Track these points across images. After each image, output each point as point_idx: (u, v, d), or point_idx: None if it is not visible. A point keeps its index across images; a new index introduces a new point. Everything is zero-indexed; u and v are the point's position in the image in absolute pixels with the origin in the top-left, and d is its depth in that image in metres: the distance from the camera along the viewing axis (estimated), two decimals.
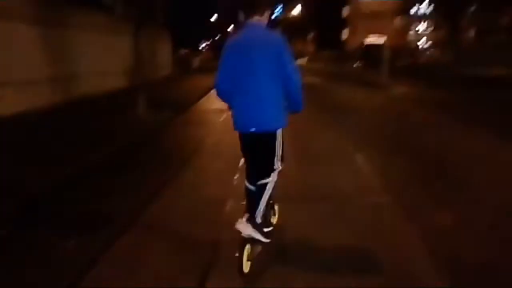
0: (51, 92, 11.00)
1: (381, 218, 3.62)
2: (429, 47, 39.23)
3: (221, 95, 2.87)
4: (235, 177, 4.84)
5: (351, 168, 5.21)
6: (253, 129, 2.69)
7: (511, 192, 4.22)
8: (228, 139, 7.21)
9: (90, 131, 7.60)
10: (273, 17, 62.94)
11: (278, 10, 60.29)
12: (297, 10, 55.24)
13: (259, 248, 2.85)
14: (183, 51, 39.84)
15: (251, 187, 2.87)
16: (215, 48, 58.52)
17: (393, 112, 10.11)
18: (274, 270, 2.76)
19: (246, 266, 2.63)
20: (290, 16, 55.83)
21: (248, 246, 2.66)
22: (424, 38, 41.69)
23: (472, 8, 27.74)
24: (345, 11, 50.34)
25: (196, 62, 39.28)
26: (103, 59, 14.52)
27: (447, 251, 2.97)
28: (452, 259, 2.85)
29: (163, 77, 21.51)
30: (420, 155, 5.76)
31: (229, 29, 65.36)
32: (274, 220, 3.32)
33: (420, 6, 40.55)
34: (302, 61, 43.88)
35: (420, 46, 39.28)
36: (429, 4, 39.56)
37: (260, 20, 2.79)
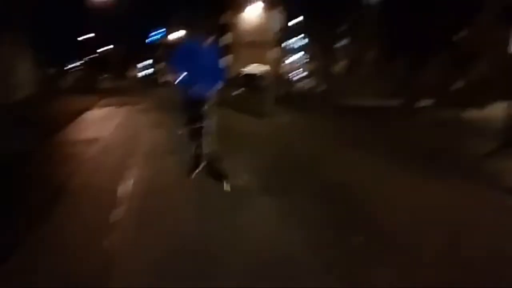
0: None
1: None
2: (304, 77, 42.03)
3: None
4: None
5: None
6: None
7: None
8: (99, 182, 5.87)
9: None
10: (151, 39, 61.18)
11: (160, 33, 59.01)
12: (179, 34, 54.31)
13: None
14: (51, 70, 36.01)
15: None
16: (91, 66, 53.90)
17: (286, 141, 9.84)
18: None
19: None
20: (170, 39, 54.55)
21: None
22: (298, 69, 44.56)
23: (344, 42, 30.46)
24: (229, 39, 51.17)
25: (67, 82, 35.69)
26: None
27: None
28: None
29: (21, 99, 18.52)
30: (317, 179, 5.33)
31: (107, 47, 61.24)
32: None
33: (293, 40, 43.78)
34: None
35: (293, 77, 41.78)
36: (304, 38, 42.73)
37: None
